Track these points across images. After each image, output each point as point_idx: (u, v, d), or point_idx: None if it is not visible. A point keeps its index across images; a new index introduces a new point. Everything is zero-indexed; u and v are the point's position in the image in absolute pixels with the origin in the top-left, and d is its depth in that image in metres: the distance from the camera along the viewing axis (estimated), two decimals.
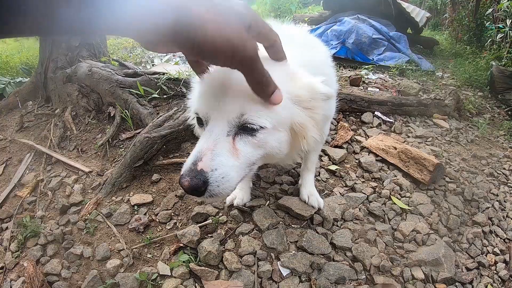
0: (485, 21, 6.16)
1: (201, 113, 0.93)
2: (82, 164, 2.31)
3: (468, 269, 1.67)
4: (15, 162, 2.46)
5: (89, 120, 2.81)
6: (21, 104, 3.24)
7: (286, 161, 1.42)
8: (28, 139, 2.68)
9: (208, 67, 0.93)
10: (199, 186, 0.83)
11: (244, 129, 0.89)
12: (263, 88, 0.76)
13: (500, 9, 5.42)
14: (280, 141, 0.96)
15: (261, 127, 0.88)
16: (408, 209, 1.94)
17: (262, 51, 0.80)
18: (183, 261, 1.52)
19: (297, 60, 1.02)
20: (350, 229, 1.76)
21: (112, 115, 2.74)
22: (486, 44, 5.83)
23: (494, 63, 4.46)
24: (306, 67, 1.06)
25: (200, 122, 0.97)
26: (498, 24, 5.50)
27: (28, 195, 2.09)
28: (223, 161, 0.86)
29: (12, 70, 4.39)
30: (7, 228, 1.86)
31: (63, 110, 2.95)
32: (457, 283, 1.58)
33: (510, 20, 5.04)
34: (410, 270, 1.59)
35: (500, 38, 5.23)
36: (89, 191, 2.08)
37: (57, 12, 0.44)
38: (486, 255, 1.78)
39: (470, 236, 1.84)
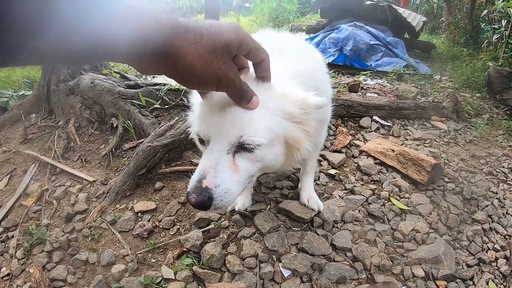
0: (481, 23, 6.23)
1: (202, 134, 1.02)
2: (86, 173, 2.36)
3: (468, 266, 1.69)
4: (19, 173, 2.51)
5: (92, 131, 2.86)
6: (25, 117, 3.29)
7: (283, 170, 1.49)
8: (32, 150, 2.73)
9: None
10: (204, 202, 0.92)
11: (243, 147, 0.97)
12: (242, 99, 0.88)
13: (495, 10, 5.48)
14: (276, 155, 1.05)
15: (258, 144, 0.96)
16: (407, 210, 1.96)
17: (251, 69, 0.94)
18: (187, 265, 1.55)
19: (289, 70, 1.10)
20: (350, 230, 1.79)
21: (114, 126, 2.80)
22: (482, 45, 5.89)
23: (491, 64, 4.50)
24: (298, 76, 1.15)
25: (202, 141, 1.05)
26: (493, 25, 5.56)
27: (33, 204, 2.13)
28: (225, 177, 0.95)
29: (15, 84, 4.46)
30: (13, 236, 1.90)
31: (67, 122, 3.01)
32: (458, 280, 1.59)
33: (505, 21, 5.10)
34: (411, 268, 1.61)
35: (496, 39, 5.28)
36: (93, 199, 2.13)
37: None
38: (486, 252, 1.79)
39: (470, 234, 1.86)
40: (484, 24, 6.07)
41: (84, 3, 0.48)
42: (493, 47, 5.45)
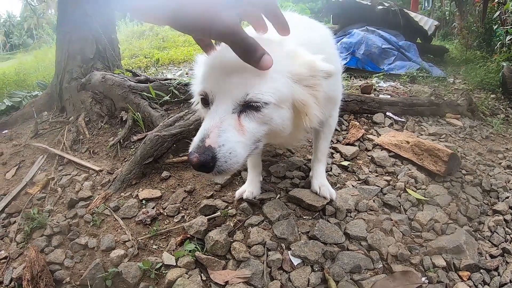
0: (493, 25, 6.12)
1: (205, 93, 0.96)
2: (93, 164, 2.34)
3: (492, 256, 1.56)
4: (28, 164, 2.51)
5: (102, 125, 2.87)
6: (37, 114, 3.34)
7: (291, 141, 1.42)
8: (42, 144, 2.74)
9: (215, 46, 0.97)
10: (207, 161, 0.85)
11: (249, 106, 0.92)
12: (250, 55, 0.79)
13: (507, 11, 5.38)
14: (283, 118, 0.99)
15: (266, 103, 0.91)
16: (425, 200, 1.85)
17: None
18: (189, 251, 1.47)
19: (296, 39, 1.03)
20: (364, 219, 1.68)
21: (124, 119, 2.80)
22: (496, 47, 5.77)
23: (505, 64, 4.38)
24: (305, 45, 1.09)
25: (205, 102, 0.99)
26: (506, 26, 5.45)
27: (38, 192, 2.11)
28: (230, 137, 0.89)
29: (29, 88, 4.56)
30: (15, 222, 1.87)
31: (77, 117, 3.03)
32: (482, 270, 1.47)
33: None
34: (431, 258, 1.49)
35: (510, 40, 5.16)
36: (98, 187, 2.09)
37: None
38: (510, 243, 1.67)
39: (491, 225, 1.74)
40: (496, 26, 5.96)
41: None
42: (506, 49, 5.32)
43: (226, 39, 0.75)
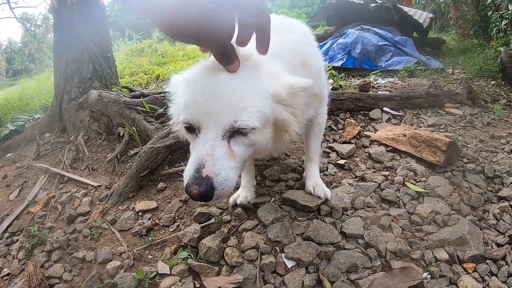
0: (488, 12, 6.05)
1: (192, 121, 0.95)
2: (92, 180, 2.38)
3: (499, 245, 1.48)
4: (30, 184, 2.57)
5: (100, 142, 2.92)
6: (39, 136, 3.40)
7: (272, 152, 1.42)
8: (43, 164, 2.80)
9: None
10: (208, 192, 0.87)
11: (237, 132, 0.93)
12: (226, 60, 0.88)
13: None
14: (266, 138, 1.03)
15: (253, 128, 0.94)
16: (425, 192, 1.79)
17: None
18: (182, 259, 1.45)
19: (271, 49, 1.03)
20: (361, 216, 1.64)
21: (121, 135, 2.84)
22: (492, 33, 5.69)
23: (502, 49, 4.31)
24: (281, 53, 1.14)
25: (190, 129, 0.99)
26: (500, 11, 5.38)
27: (39, 211, 2.15)
28: (224, 164, 0.92)
29: (32, 111, 4.66)
30: (17, 240, 1.90)
31: (77, 137, 3.08)
32: (488, 261, 1.39)
33: None
34: (432, 252, 1.43)
35: (505, 24, 5.09)
36: (96, 202, 2.12)
37: None
38: None
39: (497, 212, 1.66)
40: (491, 12, 5.89)
41: None
42: (503, 34, 5.23)
43: (212, 47, 0.83)
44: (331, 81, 4.40)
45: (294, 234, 1.56)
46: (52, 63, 4.42)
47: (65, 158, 2.78)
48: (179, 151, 2.29)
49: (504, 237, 1.53)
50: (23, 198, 2.39)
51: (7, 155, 3.31)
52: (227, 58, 0.86)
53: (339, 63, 5.46)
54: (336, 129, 2.66)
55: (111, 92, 3.15)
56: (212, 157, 0.90)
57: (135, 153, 2.58)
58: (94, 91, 3.19)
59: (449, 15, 8.62)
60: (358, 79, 5.02)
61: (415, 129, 2.43)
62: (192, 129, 0.97)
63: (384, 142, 2.31)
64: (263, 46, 0.89)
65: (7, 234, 2.01)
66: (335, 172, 2.05)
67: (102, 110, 3.05)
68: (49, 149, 3.12)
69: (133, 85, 6.39)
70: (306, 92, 1.02)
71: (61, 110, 3.42)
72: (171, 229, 1.73)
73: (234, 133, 0.93)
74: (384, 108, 2.93)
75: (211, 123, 0.92)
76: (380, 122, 2.76)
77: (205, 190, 0.86)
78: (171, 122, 1.24)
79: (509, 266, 1.39)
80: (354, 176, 2.00)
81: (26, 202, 2.28)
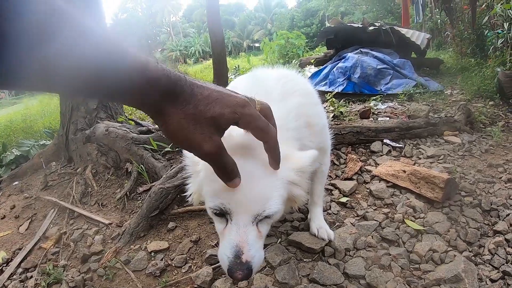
0: (484, 30, 6.19)
1: (224, 209, 1.02)
2: (102, 217, 2.47)
3: (492, 281, 1.57)
4: (40, 217, 2.65)
5: (109, 176, 3.02)
6: (45, 165, 3.49)
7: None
8: (52, 196, 2.89)
9: None
10: (250, 274, 1.00)
11: (265, 216, 1.04)
12: (226, 176, 0.83)
13: (496, 14, 5.46)
14: (281, 212, 1.14)
15: (276, 211, 1.05)
16: (423, 230, 1.90)
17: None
18: None
19: (276, 121, 1.05)
20: (363, 257, 1.74)
21: (129, 170, 2.95)
22: (489, 52, 5.81)
23: (499, 70, 4.42)
24: (286, 123, 1.24)
25: (220, 214, 1.06)
26: (496, 30, 5.51)
27: (52, 247, 2.23)
28: (256, 246, 1.03)
29: (36, 134, 4.72)
30: (31, 276, 1.98)
31: (84, 169, 3.19)
32: None
33: (507, 24, 5.04)
34: None
35: (501, 43, 5.21)
36: (109, 241, 2.20)
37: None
38: (511, 263, 1.70)
39: (492, 247, 1.76)
40: (487, 31, 6.03)
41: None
42: (499, 53, 5.36)
43: (209, 162, 0.78)
44: (331, 108, 4.54)
45: (300, 276, 1.66)
46: None
47: (73, 192, 2.88)
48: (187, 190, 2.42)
49: (498, 272, 1.62)
50: (33, 232, 2.48)
51: (14, 183, 3.39)
52: (228, 174, 0.83)
53: (340, 89, 5.62)
54: (338, 163, 2.78)
55: (118, 126, 3.26)
56: (247, 243, 1.00)
57: (144, 191, 2.69)
58: (101, 124, 3.30)
59: (446, 32, 8.79)
60: (359, 104, 5.16)
61: (414, 163, 2.55)
62: (221, 214, 1.05)
63: (384, 178, 2.43)
64: (275, 160, 0.92)
65: (20, 270, 2.08)
66: (337, 211, 2.17)
67: (109, 145, 3.15)
68: (56, 179, 3.22)
69: (136, 110, 6.50)
70: (312, 163, 1.12)
71: (67, 140, 3.51)
72: (183, 270, 1.82)
73: (263, 217, 1.04)
74: (385, 140, 3.06)
75: (242, 211, 1.01)
76: (381, 155, 2.89)
77: (247, 274, 0.98)
78: (188, 194, 1.27)
79: None
80: (356, 215, 2.11)
81: (37, 237, 2.37)
